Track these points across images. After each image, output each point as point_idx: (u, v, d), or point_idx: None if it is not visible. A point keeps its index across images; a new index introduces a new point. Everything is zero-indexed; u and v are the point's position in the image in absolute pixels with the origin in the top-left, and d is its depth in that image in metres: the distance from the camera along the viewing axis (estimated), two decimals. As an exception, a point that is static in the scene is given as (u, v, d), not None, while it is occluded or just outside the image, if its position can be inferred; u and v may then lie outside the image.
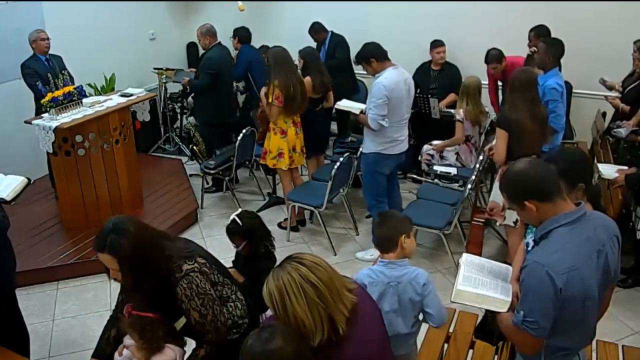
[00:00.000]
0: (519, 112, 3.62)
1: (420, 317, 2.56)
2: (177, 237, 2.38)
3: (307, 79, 4.83)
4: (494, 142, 3.97)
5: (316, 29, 6.16)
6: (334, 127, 6.30)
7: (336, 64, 5.94)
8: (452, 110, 5.35)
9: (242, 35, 5.99)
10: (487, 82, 5.52)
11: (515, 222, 3.85)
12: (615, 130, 4.54)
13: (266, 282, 1.78)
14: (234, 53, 6.06)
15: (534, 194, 1.93)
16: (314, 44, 5.96)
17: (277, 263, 1.88)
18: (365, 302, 1.94)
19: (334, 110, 5.16)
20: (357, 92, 6.26)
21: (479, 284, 2.11)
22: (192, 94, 6.64)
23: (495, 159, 3.79)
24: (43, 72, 5.03)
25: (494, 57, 5.22)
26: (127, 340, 2.37)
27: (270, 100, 4.62)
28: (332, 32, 6.15)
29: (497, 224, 3.98)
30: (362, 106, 4.46)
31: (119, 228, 2.10)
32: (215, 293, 2.24)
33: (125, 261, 2.08)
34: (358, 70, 5.91)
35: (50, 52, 5.25)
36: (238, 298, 2.38)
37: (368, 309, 1.94)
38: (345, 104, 4.76)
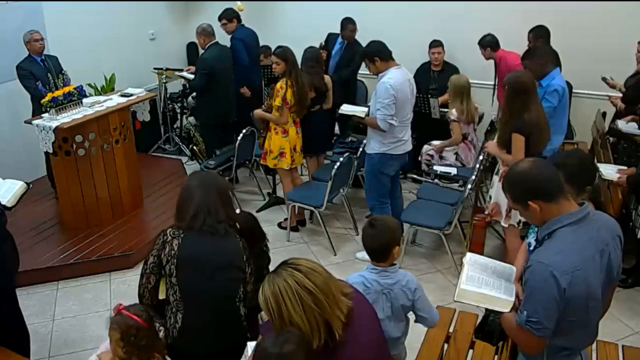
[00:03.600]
0: (534, 113, 3.60)
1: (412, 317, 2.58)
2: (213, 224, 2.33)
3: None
4: (495, 142, 3.97)
5: (347, 27, 5.95)
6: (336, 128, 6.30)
7: (350, 74, 5.91)
8: (445, 110, 5.36)
9: (234, 14, 5.90)
10: (477, 81, 5.59)
11: (519, 223, 3.85)
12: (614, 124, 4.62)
13: (261, 288, 1.78)
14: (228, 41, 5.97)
15: (538, 194, 1.93)
16: (305, 45, 5.44)
17: (273, 265, 1.87)
18: (361, 305, 1.93)
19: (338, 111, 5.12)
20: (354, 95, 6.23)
21: (482, 283, 2.11)
22: (193, 94, 6.65)
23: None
24: (39, 73, 5.02)
25: (487, 42, 5.28)
26: (103, 346, 2.34)
27: (277, 102, 4.62)
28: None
29: (503, 224, 3.95)
30: (365, 109, 4.46)
31: (205, 172, 2.57)
32: (152, 264, 2.36)
33: None
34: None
35: (50, 52, 5.26)
36: (176, 315, 2.32)
37: (364, 312, 1.93)
38: (348, 109, 4.76)
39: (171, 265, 2.28)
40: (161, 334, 2.36)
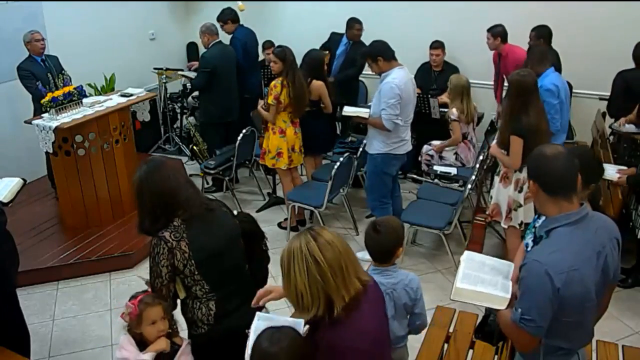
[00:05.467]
0: (532, 116, 3.58)
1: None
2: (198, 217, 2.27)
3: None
4: (494, 143, 3.97)
5: (353, 26, 5.96)
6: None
7: (355, 73, 5.91)
8: (445, 110, 5.36)
9: (233, 15, 5.90)
10: (477, 81, 5.63)
11: (520, 224, 3.84)
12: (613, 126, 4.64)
13: (283, 249, 1.85)
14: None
15: (540, 180, 1.96)
16: (305, 45, 5.42)
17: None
18: (374, 296, 1.95)
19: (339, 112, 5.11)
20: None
21: (478, 281, 2.12)
22: (192, 94, 6.65)
23: (514, 166, 3.73)
24: (40, 73, 5.03)
25: (499, 32, 5.28)
26: (128, 347, 2.31)
27: (269, 100, 4.62)
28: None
29: (503, 225, 3.96)
30: (368, 110, 4.46)
31: (150, 160, 2.32)
32: (167, 274, 2.23)
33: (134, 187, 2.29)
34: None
35: (50, 52, 5.26)
36: (207, 304, 2.32)
37: (374, 303, 1.94)
38: (351, 110, 4.75)
39: (190, 267, 2.24)
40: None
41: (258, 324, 2.13)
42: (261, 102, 4.86)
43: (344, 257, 1.82)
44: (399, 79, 4.10)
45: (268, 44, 6.18)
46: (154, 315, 2.24)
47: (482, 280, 2.12)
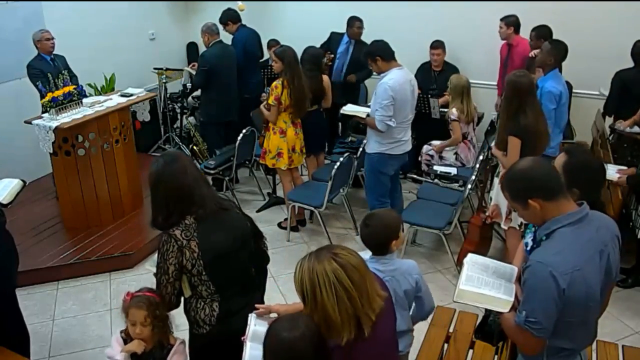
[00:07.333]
0: (530, 117, 3.58)
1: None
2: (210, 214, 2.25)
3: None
4: (493, 143, 3.97)
5: (353, 24, 5.98)
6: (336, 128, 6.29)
7: (366, 75, 5.93)
8: (445, 110, 5.36)
9: (232, 16, 5.93)
10: (477, 81, 5.67)
11: (521, 225, 3.84)
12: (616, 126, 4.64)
13: (300, 266, 1.79)
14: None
15: (538, 192, 1.93)
16: (306, 45, 5.34)
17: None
18: (388, 306, 1.96)
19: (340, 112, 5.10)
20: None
21: (481, 283, 2.11)
22: (192, 94, 6.66)
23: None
24: (49, 72, 5.04)
25: (513, 22, 5.30)
26: (114, 345, 2.34)
27: (270, 100, 4.63)
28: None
29: (503, 226, 3.96)
30: (367, 110, 4.47)
31: (167, 154, 2.30)
32: (174, 272, 2.22)
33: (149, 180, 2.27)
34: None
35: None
36: (211, 305, 2.32)
37: (389, 312, 1.96)
38: (351, 109, 4.76)
39: (198, 267, 2.23)
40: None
41: (256, 329, 2.12)
42: (264, 98, 4.87)
43: (366, 276, 1.81)
44: (394, 80, 4.10)
45: (273, 42, 6.18)
46: (135, 317, 2.27)
47: (485, 283, 2.11)
